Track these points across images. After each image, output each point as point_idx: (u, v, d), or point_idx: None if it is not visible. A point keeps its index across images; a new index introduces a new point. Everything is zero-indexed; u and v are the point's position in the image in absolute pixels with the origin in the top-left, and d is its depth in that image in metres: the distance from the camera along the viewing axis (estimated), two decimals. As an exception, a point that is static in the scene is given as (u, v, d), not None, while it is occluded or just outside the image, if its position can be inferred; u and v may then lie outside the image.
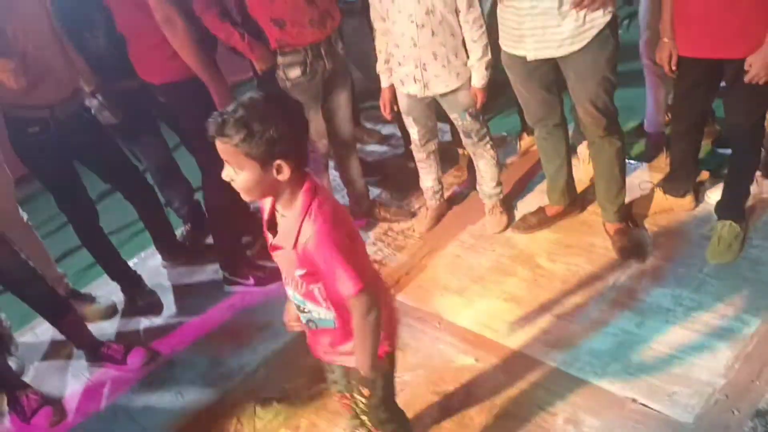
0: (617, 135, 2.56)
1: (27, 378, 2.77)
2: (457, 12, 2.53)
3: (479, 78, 2.63)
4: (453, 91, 2.68)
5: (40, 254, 2.92)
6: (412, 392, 2.31)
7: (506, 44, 2.48)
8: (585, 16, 2.25)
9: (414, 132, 2.91)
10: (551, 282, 2.63)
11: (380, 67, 2.80)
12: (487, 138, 2.86)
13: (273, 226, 1.58)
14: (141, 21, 2.49)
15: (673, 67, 2.40)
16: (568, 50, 2.32)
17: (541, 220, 2.89)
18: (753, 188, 2.63)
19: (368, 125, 4.01)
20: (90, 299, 3.06)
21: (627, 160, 2.80)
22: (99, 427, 2.48)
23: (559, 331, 2.40)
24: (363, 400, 1.77)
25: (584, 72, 2.37)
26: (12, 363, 2.79)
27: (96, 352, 2.74)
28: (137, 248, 3.43)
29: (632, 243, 2.66)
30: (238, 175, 1.44)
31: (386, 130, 3.93)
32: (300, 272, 1.54)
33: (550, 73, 2.49)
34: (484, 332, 2.47)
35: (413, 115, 2.84)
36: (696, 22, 2.25)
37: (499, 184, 2.97)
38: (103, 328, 2.95)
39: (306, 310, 1.65)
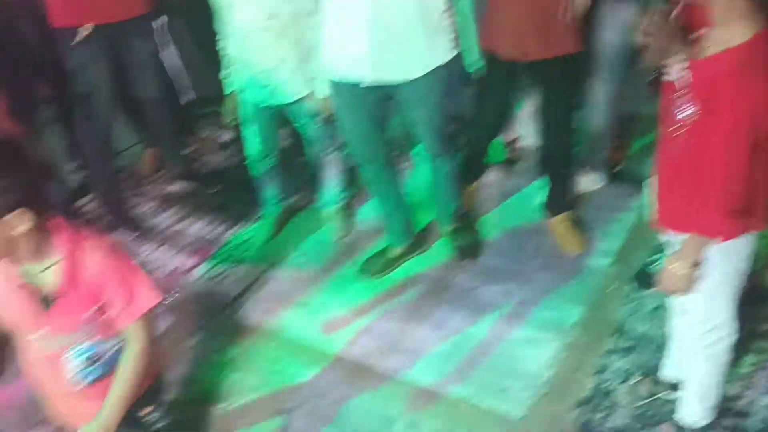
0: (449, 156, 2.51)
1: None
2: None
3: (322, 88, 2.45)
4: (299, 99, 2.56)
5: None
6: (257, 414, 2.22)
7: (337, 70, 2.29)
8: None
9: (255, 141, 2.76)
10: (391, 284, 2.63)
11: (224, 72, 2.65)
12: (334, 144, 2.79)
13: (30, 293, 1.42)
14: None
15: None
16: (406, 76, 2.20)
17: (385, 263, 2.70)
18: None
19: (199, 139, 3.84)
20: None
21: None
22: None
23: (397, 335, 2.40)
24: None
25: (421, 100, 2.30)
26: None
27: None
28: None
29: (469, 242, 2.71)
30: None
31: (225, 137, 3.79)
32: (92, 311, 1.42)
33: (380, 102, 2.34)
34: (326, 345, 2.43)
35: (257, 123, 2.70)
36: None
37: (343, 190, 2.93)
38: None
39: (104, 353, 1.51)
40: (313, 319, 2.55)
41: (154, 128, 3.33)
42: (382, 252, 2.73)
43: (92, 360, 1.52)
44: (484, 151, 2.77)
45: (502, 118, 2.70)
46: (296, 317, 2.56)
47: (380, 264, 2.70)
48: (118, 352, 1.53)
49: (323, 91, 2.44)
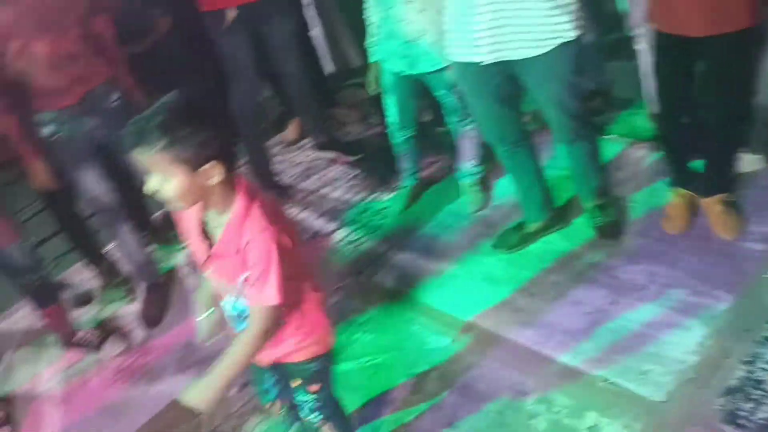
0: (587, 139, 2.41)
1: (1, 366, 2.77)
2: None
3: None
4: (439, 70, 2.60)
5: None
6: (386, 374, 2.30)
7: (457, 51, 2.26)
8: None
9: (395, 110, 2.85)
10: (528, 259, 2.60)
11: (369, 41, 2.73)
12: (470, 117, 2.81)
13: (205, 237, 1.53)
14: None
15: None
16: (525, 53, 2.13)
17: (522, 237, 2.66)
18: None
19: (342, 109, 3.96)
20: (65, 287, 3.04)
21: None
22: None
23: (534, 309, 2.37)
24: (312, 396, 1.73)
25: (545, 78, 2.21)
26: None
27: (71, 339, 2.72)
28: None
29: (610, 221, 2.61)
30: (167, 183, 1.38)
31: (364, 112, 3.88)
32: (246, 275, 1.47)
33: (505, 81, 2.27)
34: (459, 313, 2.45)
35: (397, 93, 2.78)
36: None
37: (479, 163, 2.93)
38: (80, 314, 2.94)
39: (245, 316, 1.57)
40: (448, 287, 2.58)
41: (298, 99, 3.48)
42: (519, 226, 2.69)
43: (240, 317, 1.60)
44: (686, 139, 2.51)
45: (683, 99, 2.44)
46: (431, 285, 2.61)
47: (516, 238, 2.67)
48: None
49: None
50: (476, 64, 2.20)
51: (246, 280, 1.48)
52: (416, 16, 2.49)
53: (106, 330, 2.81)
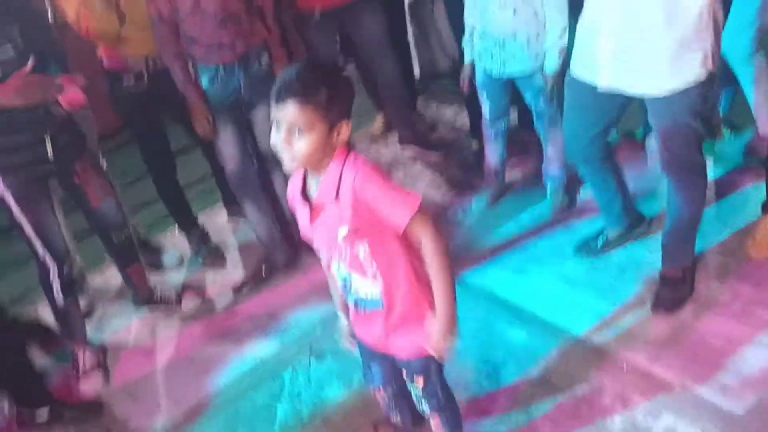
0: (698, 177, 2.25)
1: (94, 318, 2.95)
2: None
3: (550, 64, 2.60)
4: (529, 74, 2.68)
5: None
6: (461, 361, 2.35)
7: (576, 68, 2.21)
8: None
9: (486, 108, 2.93)
10: (611, 269, 2.63)
11: (465, 41, 2.83)
12: (559, 123, 2.86)
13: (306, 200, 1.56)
14: None
15: None
16: (644, 90, 2.04)
17: (604, 243, 2.68)
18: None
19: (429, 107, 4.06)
20: (159, 249, 3.21)
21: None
22: (162, 376, 2.60)
23: (615, 315, 2.41)
24: (419, 387, 1.76)
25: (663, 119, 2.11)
26: (82, 301, 2.96)
27: (151, 297, 2.89)
28: (206, 204, 3.54)
29: (674, 296, 2.40)
30: (303, 138, 1.41)
31: (449, 112, 3.97)
32: (344, 231, 1.49)
33: (616, 109, 2.23)
34: (536, 309, 2.51)
35: (487, 91, 2.86)
36: None
37: (564, 167, 2.96)
38: (170, 277, 3.10)
39: (352, 289, 1.62)
40: (527, 284, 2.65)
41: (386, 95, 3.59)
42: (601, 232, 2.72)
43: (345, 286, 1.64)
44: None
45: None
46: (511, 281, 2.67)
47: (598, 244, 2.70)
48: (368, 299, 1.61)
49: (552, 67, 2.55)
50: (592, 86, 2.16)
51: (346, 238, 1.50)
52: (510, 18, 2.56)
53: (188, 291, 2.96)
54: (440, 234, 1.49)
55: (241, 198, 2.91)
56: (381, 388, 1.92)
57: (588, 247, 2.72)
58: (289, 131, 1.42)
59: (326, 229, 1.53)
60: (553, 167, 2.98)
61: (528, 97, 2.81)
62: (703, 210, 2.34)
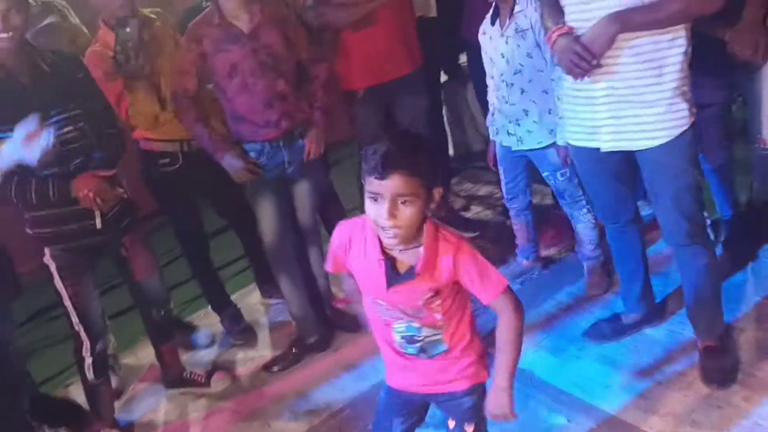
0: (702, 245, 2.25)
1: (124, 397, 2.92)
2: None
3: (562, 135, 2.58)
4: (544, 148, 2.71)
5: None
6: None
7: (575, 136, 2.26)
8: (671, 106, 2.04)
9: (503, 185, 2.96)
10: (651, 347, 2.53)
11: (489, 119, 2.89)
12: (583, 200, 2.83)
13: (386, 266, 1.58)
14: None
15: None
16: (646, 144, 2.10)
17: (615, 329, 2.61)
18: None
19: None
20: (191, 328, 3.21)
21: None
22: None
23: (659, 397, 2.29)
24: None
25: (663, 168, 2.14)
26: (114, 380, 2.95)
27: (179, 378, 2.85)
28: (240, 285, 3.57)
29: (720, 366, 2.32)
30: (408, 209, 1.44)
31: (483, 191, 3.98)
32: (427, 296, 1.56)
33: (623, 163, 2.24)
34: (577, 392, 2.40)
35: (504, 166, 2.91)
36: None
37: (598, 247, 2.92)
38: (201, 357, 3.08)
39: (420, 339, 1.65)
40: (566, 365, 2.55)
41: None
42: (615, 317, 2.65)
43: (410, 339, 1.67)
44: None
45: None
46: (550, 362, 2.59)
47: (611, 329, 2.62)
48: (434, 343, 1.66)
49: (563, 139, 2.55)
50: (595, 150, 2.19)
51: (427, 300, 1.57)
52: (519, 96, 2.65)
53: (218, 371, 2.90)
54: (519, 313, 1.59)
55: (277, 272, 2.89)
56: None
57: (598, 332, 2.63)
58: (392, 203, 1.44)
59: (408, 296, 1.58)
60: (585, 247, 2.93)
61: (545, 173, 2.82)
62: (719, 277, 2.33)
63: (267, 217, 2.78)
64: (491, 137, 2.93)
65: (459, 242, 1.54)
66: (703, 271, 2.26)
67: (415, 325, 1.64)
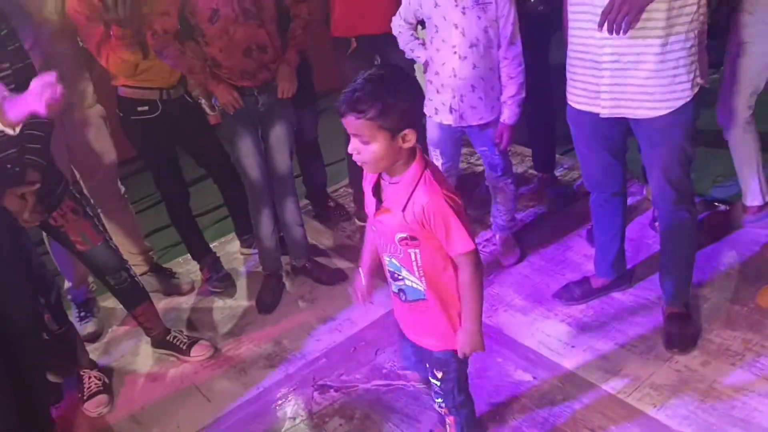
0: (687, 211, 2.31)
1: (102, 340, 2.97)
2: (498, 47, 2.56)
3: (510, 115, 2.64)
4: (486, 125, 2.70)
5: (132, 227, 3.13)
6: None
7: (577, 99, 2.28)
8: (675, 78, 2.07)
9: (439, 164, 2.88)
10: (618, 311, 2.62)
11: (426, 102, 2.76)
12: (511, 172, 2.90)
13: (377, 193, 1.69)
14: None
15: None
16: (645, 113, 2.13)
17: (584, 291, 2.70)
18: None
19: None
20: (170, 274, 3.24)
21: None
22: (167, 403, 2.58)
23: (621, 359, 2.39)
24: (437, 383, 1.85)
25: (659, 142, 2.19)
26: (93, 325, 2.99)
27: (162, 340, 2.80)
28: (219, 233, 3.61)
29: (683, 333, 2.42)
30: (367, 147, 1.54)
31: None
32: (401, 236, 1.64)
33: (619, 134, 2.30)
34: (543, 351, 2.49)
35: (441, 148, 2.84)
36: None
37: (513, 218, 3.03)
38: (179, 303, 3.13)
39: (400, 278, 1.73)
40: (533, 324, 2.63)
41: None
42: (584, 280, 2.73)
43: (393, 276, 1.75)
44: None
45: None
46: (508, 316, 2.67)
47: (581, 291, 2.70)
48: (413, 289, 1.73)
49: (512, 118, 2.64)
50: (594, 114, 2.24)
51: (401, 240, 1.65)
52: (468, 72, 2.57)
53: (200, 344, 2.80)
54: (477, 274, 1.67)
55: (256, 210, 2.93)
56: (415, 372, 2.06)
57: (568, 294, 2.72)
58: (354, 139, 1.56)
59: (386, 228, 1.68)
60: (501, 218, 3.03)
61: (482, 148, 2.83)
62: (695, 245, 2.44)
63: (247, 157, 2.81)
64: (429, 116, 2.77)
65: (437, 192, 1.57)
66: (684, 237, 2.36)
67: (395, 262, 1.72)
